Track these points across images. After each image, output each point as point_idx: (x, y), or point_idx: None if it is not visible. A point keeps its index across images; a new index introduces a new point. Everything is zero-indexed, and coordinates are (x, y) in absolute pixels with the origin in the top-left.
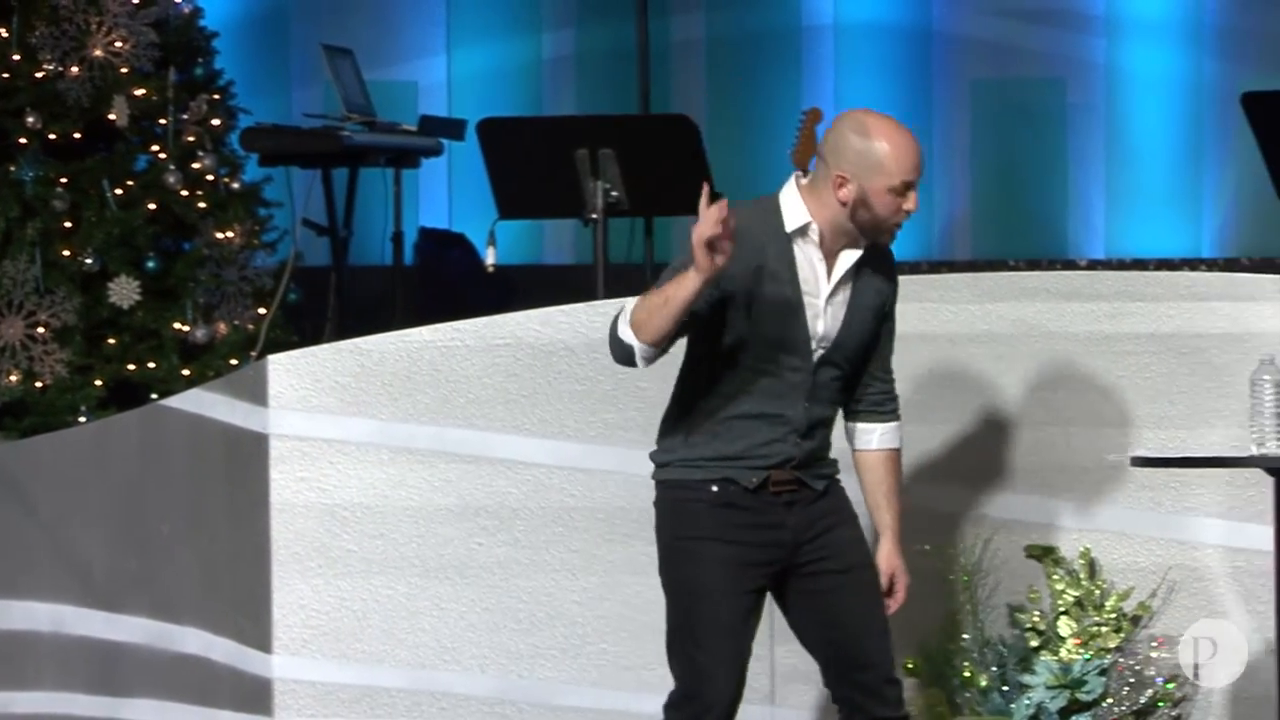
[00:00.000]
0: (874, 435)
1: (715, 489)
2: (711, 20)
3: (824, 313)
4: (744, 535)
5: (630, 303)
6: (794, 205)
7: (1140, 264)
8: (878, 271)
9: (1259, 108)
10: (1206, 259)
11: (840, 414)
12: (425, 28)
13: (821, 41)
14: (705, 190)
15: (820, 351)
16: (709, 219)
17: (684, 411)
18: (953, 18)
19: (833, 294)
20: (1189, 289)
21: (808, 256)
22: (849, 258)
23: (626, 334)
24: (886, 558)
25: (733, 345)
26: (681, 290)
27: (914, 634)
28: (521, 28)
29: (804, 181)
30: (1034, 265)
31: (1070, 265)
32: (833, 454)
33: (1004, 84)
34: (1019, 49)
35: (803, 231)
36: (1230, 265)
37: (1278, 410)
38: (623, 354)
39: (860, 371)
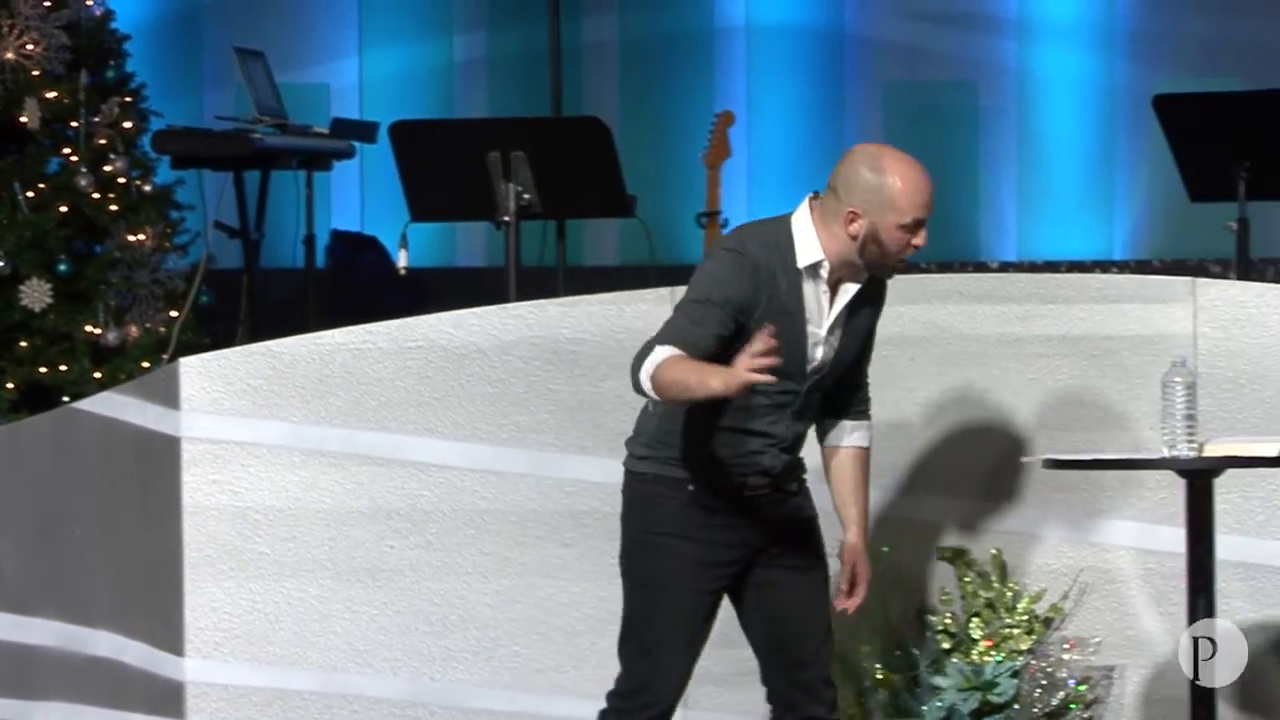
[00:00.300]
0: (844, 433)
1: (692, 488)
2: (624, 22)
3: (824, 342)
4: (713, 535)
5: (661, 351)
6: (807, 238)
7: (1051, 266)
8: (870, 298)
9: (1170, 110)
10: (1118, 261)
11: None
12: (337, 30)
13: (734, 43)
14: (744, 363)
15: (814, 378)
16: (751, 370)
17: (671, 414)
18: (865, 20)
19: (832, 325)
20: (1100, 291)
21: (815, 290)
22: (849, 290)
23: (646, 382)
24: (850, 553)
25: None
26: (699, 393)
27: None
28: (433, 30)
29: (817, 204)
30: (945, 267)
31: (981, 267)
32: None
33: (916, 86)
34: (931, 51)
35: (814, 269)
36: (1142, 267)
37: (1189, 412)
38: (638, 389)
39: (844, 386)
